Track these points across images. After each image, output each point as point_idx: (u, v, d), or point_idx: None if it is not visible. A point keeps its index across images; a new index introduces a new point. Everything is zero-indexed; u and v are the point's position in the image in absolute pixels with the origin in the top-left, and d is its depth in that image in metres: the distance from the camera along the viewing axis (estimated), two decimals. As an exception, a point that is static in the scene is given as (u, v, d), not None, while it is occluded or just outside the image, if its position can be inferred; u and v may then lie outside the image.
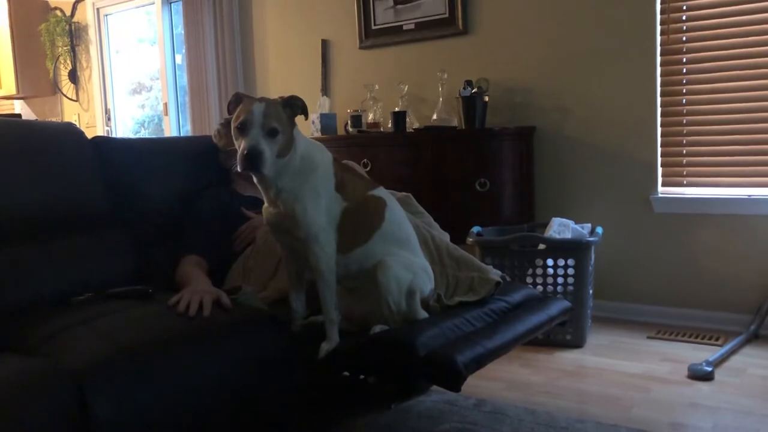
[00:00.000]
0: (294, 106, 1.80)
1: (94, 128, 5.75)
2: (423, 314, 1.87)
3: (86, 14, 5.75)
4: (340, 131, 4.06)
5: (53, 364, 1.52)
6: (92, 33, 5.74)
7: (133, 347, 1.60)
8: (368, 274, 1.85)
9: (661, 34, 3.22)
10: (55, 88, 6.00)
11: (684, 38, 3.19)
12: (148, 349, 1.62)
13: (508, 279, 2.20)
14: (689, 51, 3.19)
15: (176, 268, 2.17)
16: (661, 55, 3.23)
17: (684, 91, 3.22)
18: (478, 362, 1.68)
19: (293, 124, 1.79)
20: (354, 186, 1.90)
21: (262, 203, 1.90)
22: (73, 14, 5.82)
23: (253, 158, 1.68)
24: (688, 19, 3.18)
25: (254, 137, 1.69)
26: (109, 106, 5.79)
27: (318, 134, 3.99)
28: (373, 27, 4.08)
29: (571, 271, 2.92)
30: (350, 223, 1.84)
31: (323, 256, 1.81)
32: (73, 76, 5.91)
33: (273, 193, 1.81)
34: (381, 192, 1.96)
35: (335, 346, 1.81)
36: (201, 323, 1.77)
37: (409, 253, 1.93)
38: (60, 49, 5.85)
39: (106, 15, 5.73)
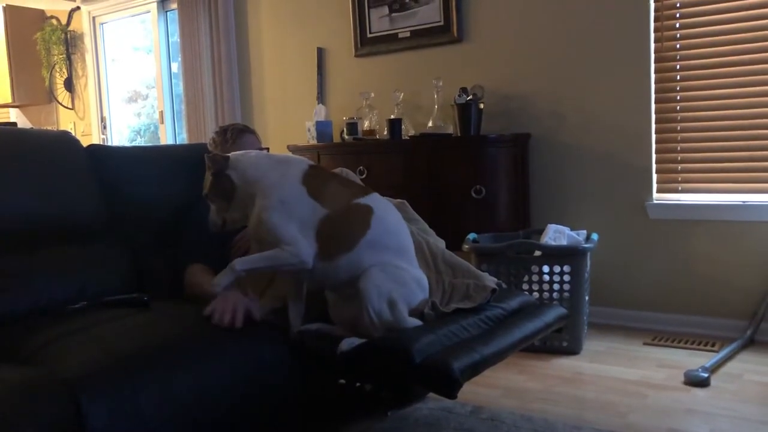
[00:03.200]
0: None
1: (89, 136, 5.74)
2: (412, 322, 1.86)
3: (82, 23, 5.76)
4: (336, 138, 4.07)
5: (48, 373, 1.51)
6: (88, 41, 5.74)
7: (128, 356, 1.60)
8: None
9: (655, 41, 3.24)
10: (51, 97, 6.00)
11: (678, 45, 3.21)
12: (144, 357, 1.61)
13: (504, 286, 2.20)
14: (683, 58, 3.20)
15: (184, 277, 2.18)
16: (655, 62, 3.25)
17: (678, 98, 3.23)
18: (475, 369, 1.68)
19: (214, 172, 1.91)
20: (335, 194, 1.90)
21: None
22: (68, 23, 5.82)
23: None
24: (682, 27, 3.20)
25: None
26: (105, 114, 5.79)
27: (314, 141, 4.00)
28: (369, 35, 4.09)
29: (567, 277, 2.93)
30: (330, 230, 1.85)
31: (294, 258, 1.83)
32: (69, 85, 5.91)
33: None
34: (370, 200, 1.94)
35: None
36: (197, 332, 1.77)
37: (403, 261, 1.92)
38: (56, 57, 5.85)
39: (102, 24, 5.74)
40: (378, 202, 1.96)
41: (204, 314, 1.84)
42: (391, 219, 1.96)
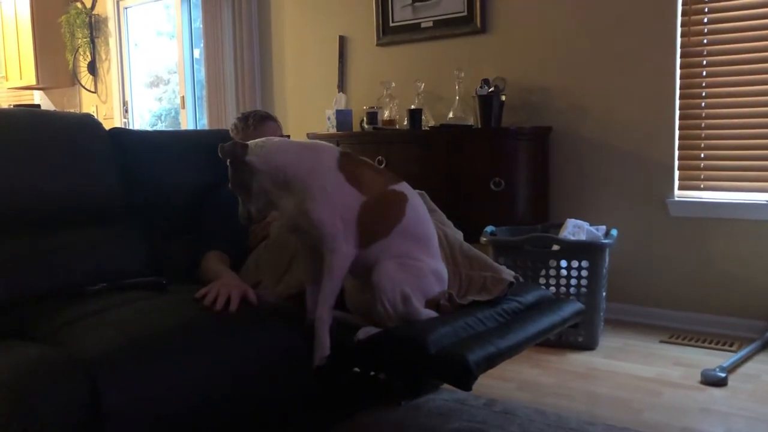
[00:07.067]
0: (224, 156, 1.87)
1: (111, 120, 5.79)
2: (426, 314, 1.85)
3: (106, 7, 5.79)
4: (356, 128, 4.06)
5: (66, 354, 1.53)
6: (112, 25, 5.78)
7: (145, 338, 1.61)
8: None
9: (681, 36, 3.19)
10: (74, 80, 6.05)
11: (705, 40, 3.16)
12: (161, 340, 1.62)
13: (521, 279, 2.19)
14: (710, 53, 3.15)
15: (200, 263, 2.18)
16: (681, 56, 3.20)
17: (703, 93, 3.18)
18: (490, 362, 1.68)
19: (234, 163, 1.86)
20: (372, 180, 1.89)
21: None
22: (93, 6, 5.86)
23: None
24: (710, 21, 3.14)
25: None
26: (127, 98, 5.83)
27: (333, 130, 3.99)
28: (391, 24, 4.07)
29: (584, 272, 2.91)
30: (369, 217, 1.84)
31: (338, 253, 1.80)
32: (92, 68, 5.96)
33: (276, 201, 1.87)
34: (403, 187, 1.95)
35: (329, 353, 1.79)
36: (214, 316, 1.78)
37: (424, 254, 1.91)
38: (80, 40, 5.89)
39: (126, 8, 5.77)
40: (410, 190, 1.96)
41: (195, 296, 1.81)
42: (421, 208, 1.96)
